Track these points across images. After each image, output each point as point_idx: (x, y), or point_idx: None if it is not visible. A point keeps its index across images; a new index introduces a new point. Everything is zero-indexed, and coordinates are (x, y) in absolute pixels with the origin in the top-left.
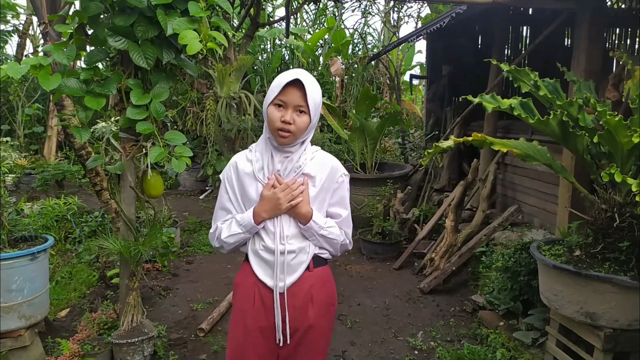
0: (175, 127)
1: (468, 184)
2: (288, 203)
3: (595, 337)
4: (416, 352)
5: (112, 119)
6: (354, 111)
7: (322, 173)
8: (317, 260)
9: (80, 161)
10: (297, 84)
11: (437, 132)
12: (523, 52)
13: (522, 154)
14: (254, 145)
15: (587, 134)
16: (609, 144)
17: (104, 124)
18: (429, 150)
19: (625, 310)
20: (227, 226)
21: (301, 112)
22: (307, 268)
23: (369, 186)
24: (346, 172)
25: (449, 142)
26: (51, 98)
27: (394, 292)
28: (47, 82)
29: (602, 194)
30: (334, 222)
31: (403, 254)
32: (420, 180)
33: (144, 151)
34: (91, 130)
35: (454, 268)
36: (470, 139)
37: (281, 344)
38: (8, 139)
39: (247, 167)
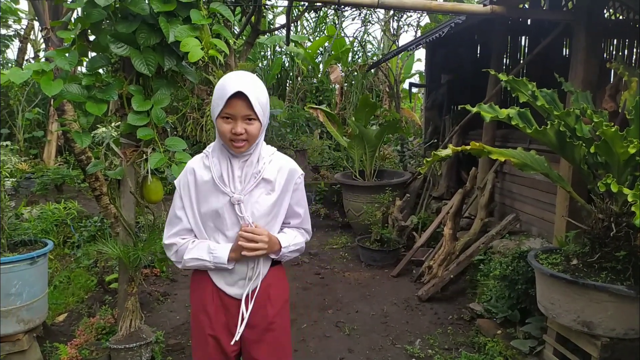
0: (175, 133)
1: (466, 192)
2: (250, 253)
3: (592, 345)
4: (414, 359)
5: (113, 124)
6: (353, 118)
7: (281, 177)
8: (271, 262)
9: (80, 166)
10: (240, 96)
11: (435, 140)
12: (522, 61)
13: (520, 163)
14: (209, 149)
15: (584, 144)
16: (605, 154)
17: (104, 129)
18: (428, 159)
19: (621, 319)
20: (194, 248)
21: (250, 119)
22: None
23: (368, 193)
24: (302, 172)
25: (447, 151)
26: (52, 103)
27: (392, 299)
28: (49, 87)
29: (599, 204)
30: (295, 231)
31: (401, 262)
32: (418, 188)
33: (145, 157)
34: (91, 135)
35: (452, 276)
36: (468, 147)
37: (232, 343)
38: (8, 143)
39: (206, 174)
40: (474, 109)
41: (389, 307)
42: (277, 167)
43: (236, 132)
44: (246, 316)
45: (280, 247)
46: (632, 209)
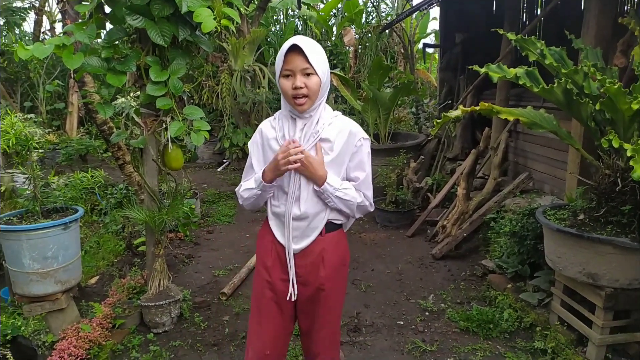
0: (192, 101)
1: (480, 152)
2: (285, 166)
3: (597, 296)
4: (427, 313)
5: (132, 94)
6: (367, 82)
7: (340, 138)
8: (329, 226)
9: (102, 136)
10: (296, 49)
11: (450, 101)
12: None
13: (529, 121)
14: (278, 112)
15: (590, 102)
16: (610, 111)
17: (124, 99)
18: (438, 120)
19: (625, 270)
20: (246, 183)
21: (309, 74)
22: (320, 233)
23: (383, 156)
24: (366, 136)
25: (457, 112)
26: (73, 76)
27: (406, 258)
28: (70, 61)
29: (605, 160)
30: (351, 185)
31: (416, 222)
32: (433, 149)
33: (164, 126)
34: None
35: (465, 234)
36: (477, 108)
37: (293, 299)
38: (32, 115)
39: (271, 132)
40: (482, 70)
41: (403, 266)
42: (338, 129)
43: (296, 85)
44: (291, 270)
45: (325, 179)
46: (631, 162)
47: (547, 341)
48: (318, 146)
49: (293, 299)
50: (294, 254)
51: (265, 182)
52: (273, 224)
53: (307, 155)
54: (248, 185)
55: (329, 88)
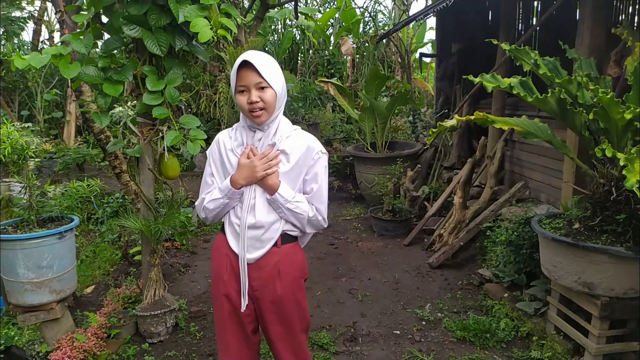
0: (189, 110)
1: (476, 161)
2: (264, 171)
3: (593, 305)
4: (423, 322)
5: (129, 104)
6: (364, 91)
7: (297, 151)
8: (285, 238)
9: (99, 145)
10: (248, 65)
11: (446, 110)
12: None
13: (523, 131)
14: (236, 124)
15: (584, 111)
16: (604, 120)
17: (121, 109)
18: (434, 130)
19: (620, 279)
20: (210, 194)
21: (263, 87)
22: (275, 244)
23: (380, 165)
24: (324, 151)
25: (452, 121)
26: (71, 85)
27: (403, 267)
28: (67, 70)
29: (600, 169)
30: (304, 198)
31: (413, 231)
32: (430, 158)
33: (161, 135)
34: (110, 115)
35: (462, 243)
36: (472, 117)
37: (242, 309)
38: (29, 124)
39: (229, 143)
40: (476, 80)
41: (400, 275)
42: (296, 143)
43: (251, 100)
44: (244, 279)
45: (277, 189)
46: (624, 172)
47: (543, 351)
48: (279, 155)
49: (242, 309)
50: (249, 265)
51: (236, 189)
52: (229, 232)
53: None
54: (213, 197)
55: (285, 99)
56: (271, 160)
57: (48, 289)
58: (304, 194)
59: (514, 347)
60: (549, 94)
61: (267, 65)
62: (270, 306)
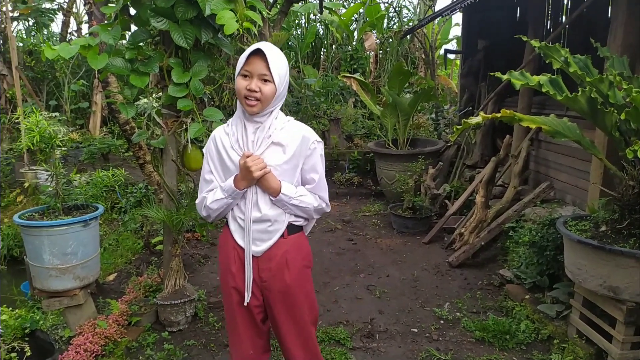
0: (212, 103)
1: (500, 160)
2: (259, 171)
3: (618, 310)
4: (442, 321)
5: (154, 95)
6: (387, 87)
7: (294, 142)
8: (291, 228)
9: (124, 136)
10: (260, 54)
11: (470, 108)
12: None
13: (551, 130)
14: (231, 119)
15: (615, 111)
16: (636, 121)
17: (146, 100)
18: (458, 127)
19: None
20: (212, 194)
21: (266, 80)
22: (282, 235)
23: (401, 162)
24: (319, 139)
25: (478, 119)
26: (98, 76)
27: (422, 265)
28: (95, 61)
29: (629, 171)
30: (306, 190)
31: (433, 229)
32: (452, 156)
33: (184, 127)
34: (135, 106)
35: (483, 243)
36: (499, 115)
37: (245, 304)
38: (57, 114)
39: (225, 139)
40: (505, 77)
41: (419, 272)
42: (290, 133)
43: (250, 88)
44: (249, 273)
45: (280, 190)
46: None
47: (564, 354)
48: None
49: (245, 303)
50: (257, 258)
51: (240, 189)
52: (233, 228)
53: (258, 157)
54: (216, 197)
55: (283, 100)
56: (262, 163)
57: (72, 275)
58: (304, 184)
59: (534, 350)
60: (580, 93)
61: (278, 62)
62: (279, 296)
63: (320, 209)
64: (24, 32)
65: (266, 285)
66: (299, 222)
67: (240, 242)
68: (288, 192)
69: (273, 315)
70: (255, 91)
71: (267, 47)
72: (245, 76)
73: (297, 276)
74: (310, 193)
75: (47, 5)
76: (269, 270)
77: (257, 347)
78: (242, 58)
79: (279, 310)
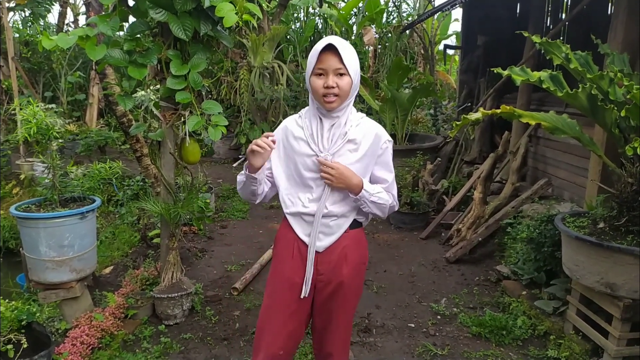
0: (211, 96)
1: (498, 156)
2: (254, 146)
3: (615, 307)
4: (439, 316)
5: (152, 87)
6: (386, 82)
7: (367, 140)
8: (353, 223)
9: (121, 128)
10: (331, 49)
11: (469, 104)
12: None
13: (551, 126)
14: (303, 111)
15: (615, 108)
16: (636, 118)
17: (143, 92)
18: (457, 122)
19: None
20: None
21: (341, 74)
22: (345, 230)
23: (399, 157)
24: (390, 139)
25: (477, 115)
26: (95, 68)
27: (419, 260)
28: (93, 52)
29: (628, 168)
30: (381, 188)
31: (430, 224)
32: (450, 152)
33: (183, 119)
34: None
35: (480, 239)
36: (498, 111)
37: (302, 297)
38: (53, 105)
39: (297, 131)
40: (505, 72)
41: (416, 268)
42: (364, 131)
43: (328, 85)
44: (310, 268)
45: (362, 187)
46: None
47: (560, 350)
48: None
49: (302, 296)
50: (318, 252)
51: (252, 173)
52: (294, 221)
53: (338, 168)
54: (239, 179)
55: (357, 90)
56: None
57: (68, 267)
58: (375, 182)
59: (530, 346)
60: (580, 89)
61: (349, 53)
62: (333, 290)
63: (392, 206)
64: (20, 22)
65: (322, 278)
66: (361, 218)
67: (302, 236)
68: (369, 189)
69: (321, 310)
70: (333, 87)
71: (336, 41)
72: (320, 74)
73: (353, 271)
74: (384, 191)
75: None
76: (328, 264)
77: (288, 348)
78: (313, 57)
79: (330, 305)
